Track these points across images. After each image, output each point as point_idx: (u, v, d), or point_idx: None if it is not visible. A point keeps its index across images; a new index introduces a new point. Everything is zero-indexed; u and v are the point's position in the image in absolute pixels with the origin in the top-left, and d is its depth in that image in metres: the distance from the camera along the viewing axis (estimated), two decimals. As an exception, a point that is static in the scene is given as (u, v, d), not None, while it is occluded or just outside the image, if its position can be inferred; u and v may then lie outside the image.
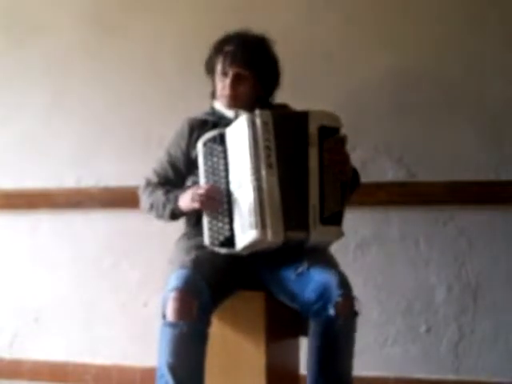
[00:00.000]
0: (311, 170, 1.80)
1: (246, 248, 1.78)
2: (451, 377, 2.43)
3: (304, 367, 2.00)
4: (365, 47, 2.51)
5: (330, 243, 1.90)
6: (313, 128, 1.83)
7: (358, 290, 1.78)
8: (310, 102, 2.18)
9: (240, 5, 2.60)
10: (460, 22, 2.46)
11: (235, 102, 2.00)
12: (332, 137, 1.84)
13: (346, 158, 1.86)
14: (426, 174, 2.46)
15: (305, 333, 1.88)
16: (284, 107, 2.07)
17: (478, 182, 2.41)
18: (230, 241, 1.80)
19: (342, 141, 1.86)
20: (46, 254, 2.81)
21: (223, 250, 1.81)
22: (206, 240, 1.82)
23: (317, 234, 1.78)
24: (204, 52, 2.06)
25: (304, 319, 1.84)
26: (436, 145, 2.47)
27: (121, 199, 2.67)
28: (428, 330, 2.46)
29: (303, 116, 1.85)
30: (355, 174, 2.00)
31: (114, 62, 2.76)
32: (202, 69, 2.08)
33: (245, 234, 1.76)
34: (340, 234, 1.83)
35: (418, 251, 2.47)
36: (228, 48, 1.99)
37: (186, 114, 2.10)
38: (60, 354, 2.77)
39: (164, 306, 1.71)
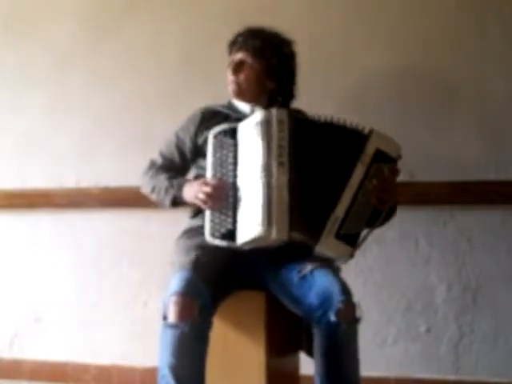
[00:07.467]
0: (350, 185, 1.76)
1: (247, 243, 1.74)
2: (451, 377, 2.43)
3: (304, 367, 2.01)
4: (365, 47, 2.51)
5: (337, 260, 1.84)
6: (370, 148, 1.80)
7: (358, 290, 1.78)
8: (310, 101, 2.18)
9: (242, 5, 2.59)
10: (460, 22, 2.47)
11: (238, 89, 2.01)
12: (385, 163, 1.81)
13: (390, 189, 1.80)
14: (426, 174, 2.46)
15: (305, 350, 1.89)
16: (298, 113, 2.01)
17: (478, 181, 2.41)
18: (231, 234, 1.76)
19: (394, 172, 1.82)
20: (47, 254, 2.81)
21: (223, 243, 1.77)
22: (207, 231, 1.79)
23: (326, 244, 1.74)
24: (205, 52, 2.07)
25: (304, 333, 1.86)
26: (436, 145, 2.47)
27: (121, 199, 2.67)
28: (428, 330, 2.46)
29: (365, 133, 1.82)
30: (392, 208, 1.91)
31: (115, 62, 2.76)
32: (203, 68, 2.08)
33: (249, 229, 1.72)
34: (349, 254, 1.77)
35: (418, 251, 2.47)
36: (239, 37, 2.01)
37: (187, 114, 2.10)
38: (60, 354, 2.76)
39: (165, 310, 1.70)
